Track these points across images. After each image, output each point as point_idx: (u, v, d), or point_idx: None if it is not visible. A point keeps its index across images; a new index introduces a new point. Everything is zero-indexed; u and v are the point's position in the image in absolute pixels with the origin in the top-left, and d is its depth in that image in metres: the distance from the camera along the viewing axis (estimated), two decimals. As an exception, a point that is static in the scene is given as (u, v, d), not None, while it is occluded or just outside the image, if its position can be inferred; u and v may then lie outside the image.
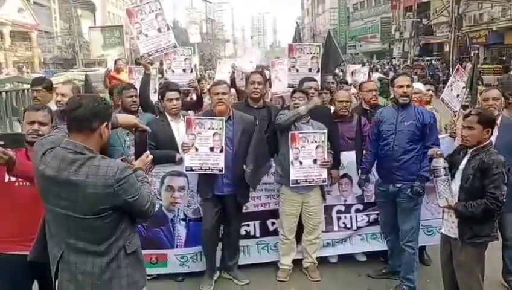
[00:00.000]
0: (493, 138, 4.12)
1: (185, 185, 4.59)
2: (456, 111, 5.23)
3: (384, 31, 44.86)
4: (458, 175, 3.55)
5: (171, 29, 5.31)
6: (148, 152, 2.82)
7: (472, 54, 28.78)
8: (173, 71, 5.94)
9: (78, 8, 47.05)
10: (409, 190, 4.16)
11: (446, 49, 31.11)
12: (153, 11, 5.12)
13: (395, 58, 39.27)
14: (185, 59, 5.73)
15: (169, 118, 4.61)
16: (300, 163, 4.38)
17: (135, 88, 4.83)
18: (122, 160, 4.28)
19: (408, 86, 4.28)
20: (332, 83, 5.71)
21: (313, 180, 4.42)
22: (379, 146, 4.39)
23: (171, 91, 4.61)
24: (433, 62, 31.80)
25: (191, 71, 5.82)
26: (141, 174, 2.61)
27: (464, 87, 5.34)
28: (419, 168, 4.19)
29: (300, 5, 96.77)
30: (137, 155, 2.83)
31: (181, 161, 4.45)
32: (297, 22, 6.58)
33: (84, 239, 2.30)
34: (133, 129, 2.92)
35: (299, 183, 4.40)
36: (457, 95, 5.41)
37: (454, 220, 3.55)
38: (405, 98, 4.27)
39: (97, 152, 2.35)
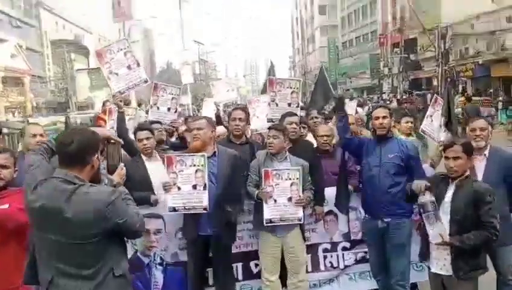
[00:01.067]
0: (481, 169, 4.04)
1: (162, 227, 4.38)
2: (441, 141, 5.13)
3: (373, 67, 45.58)
4: (446, 208, 3.41)
5: (141, 65, 5.25)
6: (122, 164, 2.91)
7: (460, 87, 29.34)
8: (158, 108, 5.85)
9: (71, 53, 47.67)
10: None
11: (435, 83, 31.45)
12: (121, 49, 5.08)
13: (385, 93, 39.68)
14: (172, 98, 5.65)
15: (143, 158, 4.46)
16: (275, 201, 4.21)
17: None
18: None
19: (384, 117, 4.20)
20: (316, 117, 5.61)
21: (288, 219, 4.23)
22: (364, 180, 4.25)
23: (142, 130, 4.50)
24: (428, 95, 32.01)
25: (175, 111, 5.72)
26: (123, 191, 2.68)
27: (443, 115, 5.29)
28: (408, 203, 4.05)
29: (291, 44, 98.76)
30: (112, 169, 2.87)
31: (156, 202, 4.28)
32: (271, 61, 6.60)
33: (74, 264, 2.40)
34: (106, 141, 2.91)
35: (273, 222, 4.21)
36: (440, 126, 5.33)
37: (446, 257, 3.40)
38: (382, 129, 4.19)
39: (87, 181, 2.48)
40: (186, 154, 4.17)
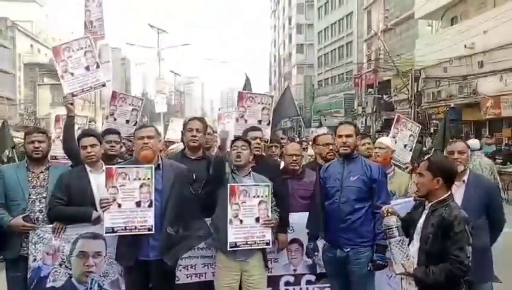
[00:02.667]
0: (459, 196, 3.67)
1: (102, 250, 3.80)
2: (407, 163, 4.78)
3: (347, 107, 46.07)
4: (417, 235, 3.00)
5: (101, 66, 4.72)
6: None
7: (432, 130, 29.70)
8: (115, 119, 5.35)
9: (44, 76, 46.78)
10: (369, 264, 3.57)
11: (407, 124, 31.85)
12: (82, 48, 4.56)
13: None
14: (133, 110, 5.22)
15: (87, 168, 3.88)
16: (241, 221, 3.68)
17: (43, 132, 4.06)
18: (24, 217, 3.58)
19: (348, 135, 3.81)
20: (282, 138, 5.22)
21: (255, 243, 3.71)
22: (324, 206, 3.83)
23: (86, 137, 3.91)
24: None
25: (135, 124, 5.20)
26: None
27: (411, 136, 4.96)
28: (370, 230, 3.66)
29: (268, 80, 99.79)
30: None
31: (98, 220, 3.70)
32: (246, 74, 6.16)
33: None
34: None
35: (238, 247, 3.68)
36: (405, 145, 5.00)
37: (414, 289, 2.94)
38: (345, 148, 3.81)
39: None
40: (130, 165, 3.65)
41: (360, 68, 44.12)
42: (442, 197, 2.98)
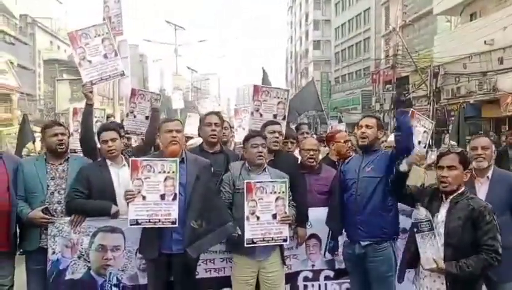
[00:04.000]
0: (483, 193, 3.60)
1: (121, 244, 3.82)
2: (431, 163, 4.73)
3: (365, 103, 45.69)
4: (439, 229, 2.93)
5: (119, 55, 4.61)
6: None
7: (451, 126, 29.29)
8: (135, 116, 5.36)
9: (63, 72, 47.39)
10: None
11: (425, 121, 31.47)
12: (99, 35, 4.45)
13: (375, 128, 39.65)
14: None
15: (108, 162, 3.89)
16: (257, 218, 3.64)
17: (61, 125, 4.06)
18: (43, 210, 3.62)
19: (368, 126, 3.75)
20: (307, 133, 5.18)
21: (272, 239, 3.67)
22: (343, 199, 3.79)
23: (107, 131, 3.91)
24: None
25: None
26: None
27: (424, 132, 4.88)
28: (388, 221, 3.60)
29: (284, 77, 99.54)
30: None
31: (117, 214, 3.73)
32: (263, 68, 6.09)
33: None
34: None
35: (255, 243, 3.64)
36: (419, 142, 4.93)
37: (440, 286, 2.89)
38: (362, 140, 3.74)
39: None
40: (155, 158, 3.64)
41: (378, 64, 43.70)
42: (461, 190, 2.93)
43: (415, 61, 30.57)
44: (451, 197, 2.97)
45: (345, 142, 4.75)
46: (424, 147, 4.80)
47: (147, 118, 5.27)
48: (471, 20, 27.44)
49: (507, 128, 23.80)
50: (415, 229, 2.98)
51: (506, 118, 23.44)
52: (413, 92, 34.83)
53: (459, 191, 2.95)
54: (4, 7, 41.08)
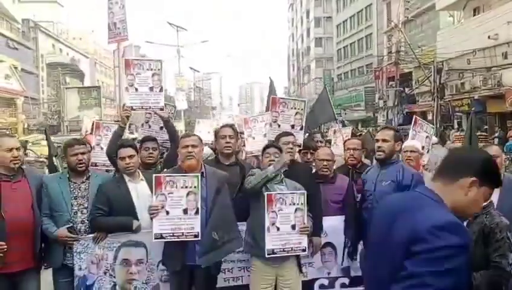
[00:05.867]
0: (495, 199, 3.67)
1: (144, 257, 3.93)
2: (425, 164, 4.83)
3: (368, 100, 45.65)
4: None
5: (163, 92, 4.85)
6: None
7: (456, 122, 29.29)
8: (150, 126, 5.49)
9: (66, 76, 47.57)
10: None
11: (429, 117, 31.39)
12: (151, 69, 4.69)
13: (379, 126, 39.63)
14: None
15: (126, 178, 4.01)
16: (277, 229, 3.76)
17: (83, 144, 4.17)
18: (68, 228, 3.72)
19: (384, 140, 3.87)
20: (321, 141, 5.27)
21: (292, 249, 3.79)
22: (362, 208, 3.90)
23: (125, 147, 4.03)
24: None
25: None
26: None
27: (427, 137, 5.02)
28: None
29: (286, 75, 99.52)
30: None
31: (139, 228, 3.84)
32: (270, 78, 6.22)
33: None
34: None
35: (275, 253, 3.76)
36: (422, 147, 5.06)
37: None
38: (379, 153, 3.88)
39: None
40: (178, 174, 3.76)
41: (381, 61, 43.67)
42: (484, 204, 3.01)
43: (418, 57, 30.55)
44: None
45: (348, 149, 4.84)
46: (427, 152, 4.91)
47: (161, 128, 5.36)
48: (474, 15, 27.39)
49: (513, 123, 23.85)
50: None
51: (511, 112, 23.43)
52: (416, 88, 34.84)
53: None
54: (7, 12, 41.27)
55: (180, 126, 22.32)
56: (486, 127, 26.30)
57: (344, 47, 57.82)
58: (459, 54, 25.56)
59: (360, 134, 11.18)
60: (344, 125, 13.33)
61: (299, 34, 78.99)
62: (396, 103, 36.63)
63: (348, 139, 5.59)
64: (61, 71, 45.97)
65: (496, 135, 23.54)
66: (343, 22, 57.61)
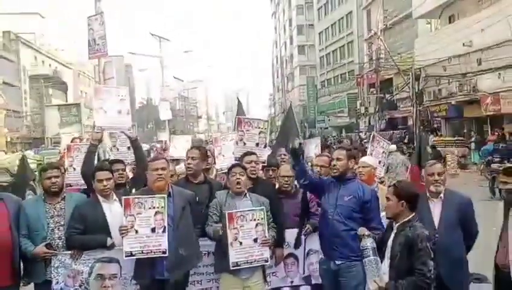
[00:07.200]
0: (437, 212, 4.05)
1: (117, 272, 4.20)
2: (382, 177, 5.21)
3: (351, 106, 46.29)
4: (387, 253, 3.40)
5: (129, 114, 5.16)
6: None
7: (435, 126, 29.93)
8: (118, 149, 5.80)
9: (49, 88, 47.39)
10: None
11: (410, 122, 32.06)
12: (119, 95, 5.05)
13: (362, 132, 40.22)
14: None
15: (100, 199, 4.30)
16: (240, 243, 4.09)
17: (56, 167, 4.48)
18: (46, 245, 4.00)
19: (338, 159, 4.23)
20: (285, 155, 5.62)
21: (255, 261, 4.12)
22: (321, 220, 4.25)
23: (102, 171, 4.33)
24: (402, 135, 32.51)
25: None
26: None
27: (383, 152, 5.43)
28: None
29: (271, 82, 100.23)
30: None
31: (113, 245, 4.14)
32: (238, 98, 6.63)
33: None
34: None
35: (239, 266, 4.08)
36: (379, 162, 5.46)
37: None
38: (335, 171, 4.24)
39: None
40: (145, 196, 4.06)
41: (362, 68, 44.38)
42: (408, 218, 3.39)
43: (397, 64, 31.18)
44: (396, 225, 3.43)
45: (315, 165, 5.19)
46: (383, 166, 5.30)
47: (129, 148, 5.66)
48: (450, 22, 28.13)
49: (489, 128, 24.49)
50: (362, 256, 3.46)
51: (487, 117, 24.04)
52: (396, 94, 35.50)
53: (405, 220, 3.39)
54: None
55: (164, 136, 22.51)
56: (464, 131, 26.99)
57: (326, 54, 58.58)
58: (436, 60, 26.19)
59: (329, 145, 11.54)
60: (311, 136, 13.64)
61: (282, 41, 79.77)
62: (377, 109, 37.25)
63: (319, 155, 5.94)
64: (43, 83, 45.86)
65: (473, 139, 24.19)
66: (325, 29, 58.43)
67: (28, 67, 46.78)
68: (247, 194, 4.35)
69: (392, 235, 3.42)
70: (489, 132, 23.76)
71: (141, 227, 3.94)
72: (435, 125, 30.41)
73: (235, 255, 4.07)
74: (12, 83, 42.93)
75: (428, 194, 4.08)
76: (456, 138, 25.16)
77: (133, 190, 4.87)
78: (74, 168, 5.19)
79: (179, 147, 8.01)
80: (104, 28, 8.33)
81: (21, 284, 4.26)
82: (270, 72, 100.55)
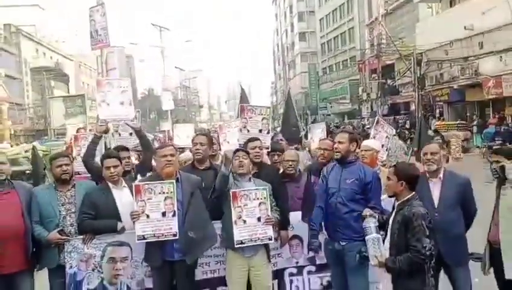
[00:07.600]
0: (437, 191, 4.17)
1: (128, 255, 4.36)
2: (384, 161, 5.31)
3: (352, 93, 46.18)
4: (389, 231, 3.55)
5: (132, 104, 5.29)
6: None
7: (438, 111, 29.93)
8: (120, 134, 5.94)
9: (51, 80, 47.49)
10: (357, 255, 4.03)
11: (412, 107, 32.06)
12: (120, 87, 5.18)
13: (364, 118, 40.25)
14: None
15: (110, 185, 4.44)
16: (244, 222, 4.23)
17: (66, 156, 4.63)
18: (59, 231, 4.16)
19: (340, 142, 4.31)
20: (281, 140, 5.78)
21: (259, 239, 4.25)
22: (326, 202, 4.34)
23: (110, 158, 4.48)
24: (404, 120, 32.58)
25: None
26: None
27: (386, 137, 5.52)
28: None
29: (273, 70, 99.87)
30: None
31: (123, 229, 4.30)
32: (241, 86, 6.75)
33: None
34: None
35: (244, 243, 4.22)
36: (382, 145, 5.56)
37: (388, 277, 3.51)
38: (336, 154, 4.33)
39: None
40: (155, 182, 4.20)
41: (363, 54, 44.24)
42: (407, 197, 3.53)
43: (399, 49, 31.08)
44: (397, 204, 3.58)
45: (318, 148, 5.29)
46: (386, 150, 5.41)
47: (130, 134, 5.79)
48: (451, 6, 27.97)
49: (491, 111, 24.51)
50: (365, 234, 3.63)
51: (489, 101, 24.05)
52: (398, 79, 35.45)
53: (404, 199, 3.53)
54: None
55: (167, 126, 22.64)
56: (467, 115, 27.00)
57: (328, 41, 58.35)
58: (438, 45, 26.11)
59: (332, 131, 11.69)
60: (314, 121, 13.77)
61: (283, 28, 79.31)
62: (379, 95, 37.22)
63: (322, 139, 6.04)
64: (45, 75, 45.87)
65: (475, 123, 24.22)
66: (326, 16, 58.13)
67: (29, 60, 46.81)
68: (251, 179, 4.48)
69: (393, 214, 3.57)
70: (491, 115, 23.80)
71: (152, 212, 4.09)
72: (438, 110, 30.41)
73: (239, 233, 4.22)
74: (14, 75, 43.06)
75: (427, 174, 4.20)
76: (458, 122, 25.20)
77: (138, 176, 5.07)
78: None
79: (183, 136, 8.13)
80: (106, 20, 8.42)
81: (35, 269, 4.42)
82: (270, 72, 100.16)
